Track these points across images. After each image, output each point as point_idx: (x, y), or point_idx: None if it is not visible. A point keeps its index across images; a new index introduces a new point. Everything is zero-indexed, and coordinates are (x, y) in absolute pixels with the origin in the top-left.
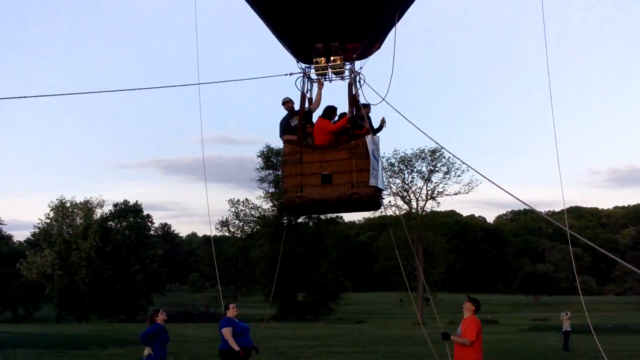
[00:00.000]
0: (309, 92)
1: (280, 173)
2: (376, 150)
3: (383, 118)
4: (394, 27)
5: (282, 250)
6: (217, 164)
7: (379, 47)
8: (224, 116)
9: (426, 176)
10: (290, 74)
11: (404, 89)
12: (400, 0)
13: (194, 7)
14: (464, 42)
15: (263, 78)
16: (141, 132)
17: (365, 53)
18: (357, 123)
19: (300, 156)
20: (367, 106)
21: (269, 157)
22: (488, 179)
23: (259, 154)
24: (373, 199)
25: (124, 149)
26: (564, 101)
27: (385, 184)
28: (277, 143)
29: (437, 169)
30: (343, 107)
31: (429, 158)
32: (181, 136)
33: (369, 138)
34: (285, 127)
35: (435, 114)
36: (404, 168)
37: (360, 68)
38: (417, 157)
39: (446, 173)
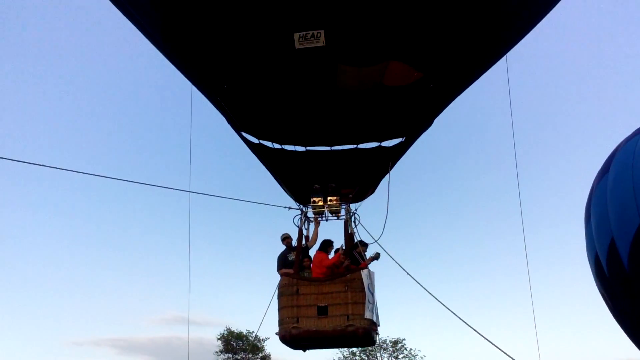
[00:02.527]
0: (306, 230)
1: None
2: (371, 284)
3: (377, 253)
4: (388, 175)
5: None
6: (176, 346)
7: (373, 192)
8: (184, 295)
9: None
10: (289, 208)
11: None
12: (391, 153)
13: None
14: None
15: (261, 204)
16: (97, 309)
17: (360, 197)
18: (354, 258)
19: (297, 288)
20: (365, 245)
21: (229, 340)
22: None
23: (219, 337)
24: (368, 333)
25: (79, 325)
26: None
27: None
28: (237, 326)
29: None
30: (339, 239)
31: (391, 349)
32: (140, 315)
33: (364, 272)
34: (282, 261)
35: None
36: (366, 358)
37: (356, 209)
38: (379, 348)
39: None
